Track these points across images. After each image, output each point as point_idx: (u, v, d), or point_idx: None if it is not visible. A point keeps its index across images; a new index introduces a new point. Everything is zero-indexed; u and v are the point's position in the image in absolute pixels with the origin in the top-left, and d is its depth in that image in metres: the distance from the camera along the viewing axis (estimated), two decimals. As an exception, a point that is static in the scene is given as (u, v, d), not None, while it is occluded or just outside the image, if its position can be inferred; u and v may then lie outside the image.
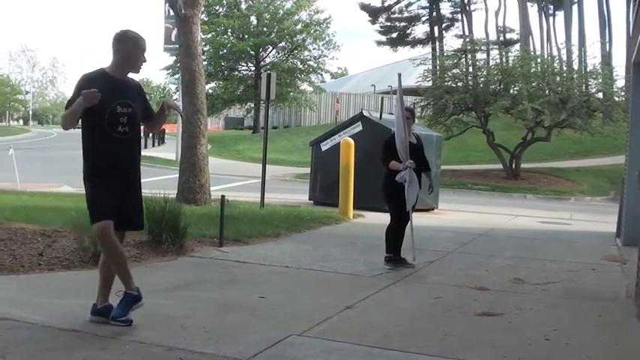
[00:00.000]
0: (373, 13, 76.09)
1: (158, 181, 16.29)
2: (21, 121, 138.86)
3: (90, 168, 6.20)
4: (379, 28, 78.21)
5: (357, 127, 18.52)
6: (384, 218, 10.67)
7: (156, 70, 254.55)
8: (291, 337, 6.01)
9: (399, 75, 10.82)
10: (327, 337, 6.11)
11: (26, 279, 8.00)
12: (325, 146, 19.15)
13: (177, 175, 17.19)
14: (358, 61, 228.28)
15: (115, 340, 5.71)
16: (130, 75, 6.38)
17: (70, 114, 6.08)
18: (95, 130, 6.13)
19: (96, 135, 6.13)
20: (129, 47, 6.22)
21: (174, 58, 53.89)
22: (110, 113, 6.10)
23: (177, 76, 44.59)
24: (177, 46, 19.71)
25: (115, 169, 6.21)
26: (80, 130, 6.22)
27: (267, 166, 17.65)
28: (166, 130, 65.38)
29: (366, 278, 9.13)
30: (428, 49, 70.74)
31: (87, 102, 5.94)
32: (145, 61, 6.35)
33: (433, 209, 18.58)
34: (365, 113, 19.15)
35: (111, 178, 6.18)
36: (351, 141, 16.48)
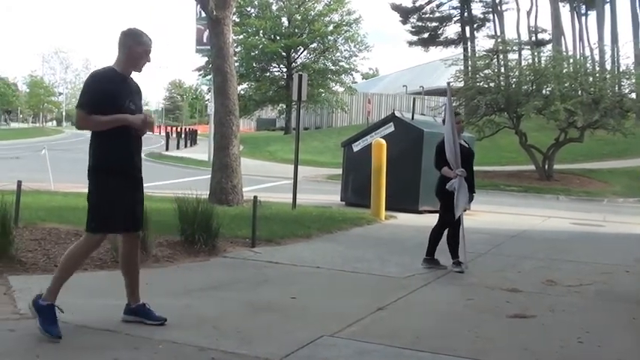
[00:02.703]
0: (404, 13, 76.04)
1: (190, 181, 16.34)
2: (54, 122, 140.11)
3: (103, 168, 6.01)
4: (410, 29, 78.18)
5: (389, 128, 18.47)
6: (416, 220, 10.69)
7: (188, 72, 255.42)
8: (323, 338, 6.02)
9: (449, 84, 10.99)
10: (359, 338, 6.11)
11: (60, 279, 8.07)
12: (357, 147, 19.13)
13: (210, 175, 17.25)
14: (390, 62, 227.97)
15: (148, 340, 5.76)
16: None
17: (111, 122, 5.90)
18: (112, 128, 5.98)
19: (113, 133, 5.97)
20: (133, 46, 6.09)
21: (206, 59, 54.26)
22: (124, 111, 6.02)
23: (209, 77, 44.80)
24: (209, 47, 19.78)
25: (129, 168, 6.15)
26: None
27: (298, 166, 17.66)
28: (198, 131, 65.80)
29: (398, 279, 9.12)
30: (459, 49, 70.49)
31: (141, 128, 6.05)
32: (149, 61, 6.25)
33: (466, 210, 18.47)
34: (397, 114, 19.11)
35: (125, 179, 6.11)
36: (383, 142, 16.44)
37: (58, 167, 23.54)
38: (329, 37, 66.23)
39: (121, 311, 6.33)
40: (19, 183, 11.05)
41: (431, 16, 76.54)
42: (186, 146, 56.88)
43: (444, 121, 10.65)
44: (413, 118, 18.95)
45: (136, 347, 5.57)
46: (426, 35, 77.79)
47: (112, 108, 5.93)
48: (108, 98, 5.92)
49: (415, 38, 79.06)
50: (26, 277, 7.90)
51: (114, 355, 5.36)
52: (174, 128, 78.27)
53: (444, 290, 8.70)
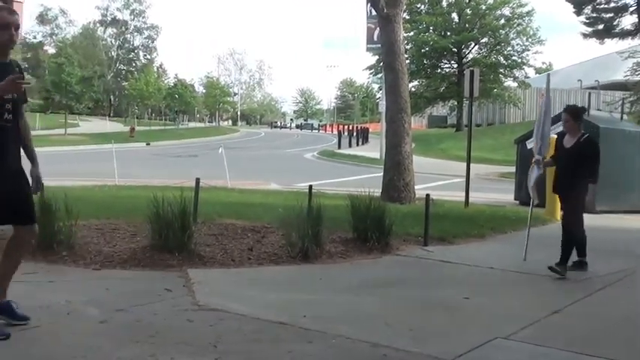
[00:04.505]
0: (578, 4, 73.60)
1: (362, 179, 16.40)
2: (229, 122, 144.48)
3: None
4: (584, 20, 75.52)
5: (564, 125, 17.95)
6: (592, 220, 10.32)
7: (359, 70, 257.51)
8: (497, 340, 5.90)
9: (548, 75, 11.25)
10: (534, 341, 5.95)
11: (236, 273, 8.32)
12: (531, 144, 18.63)
13: (382, 173, 17.32)
14: (564, 55, 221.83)
15: (321, 334, 5.82)
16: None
17: None
18: None
19: None
20: None
21: (377, 57, 54.55)
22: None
23: (380, 75, 45.07)
24: (380, 45, 19.84)
25: (2, 161, 5.44)
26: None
27: (471, 164, 17.43)
28: (370, 129, 66.23)
29: (574, 282, 8.83)
30: (637, 40, 67.74)
31: (14, 90, 5.36)
32: (15, 30, 5.47)
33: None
34: (572, 109, 18.60)
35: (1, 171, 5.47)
36: (558, 139, 16.00)
37: (234, 165, 24.26)
38: (500, 31, 65.29)
39: (296, 305, 6.42)
40: (198, 180, 11.45)
41: (606, 6, 73.79)
42: (358, 144, 57.42)
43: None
44: (588, 114, 18.36)
45: (309, 341, 5.65)
46: (600, 27, 75.10)
47: None
48: None
49: (589, 30, 76.52)
50: (204, 270, 8.18)
51: (288, 347, 5.46)
52: (346, 126, 79.06)
53: (622, 294, 8.38)
